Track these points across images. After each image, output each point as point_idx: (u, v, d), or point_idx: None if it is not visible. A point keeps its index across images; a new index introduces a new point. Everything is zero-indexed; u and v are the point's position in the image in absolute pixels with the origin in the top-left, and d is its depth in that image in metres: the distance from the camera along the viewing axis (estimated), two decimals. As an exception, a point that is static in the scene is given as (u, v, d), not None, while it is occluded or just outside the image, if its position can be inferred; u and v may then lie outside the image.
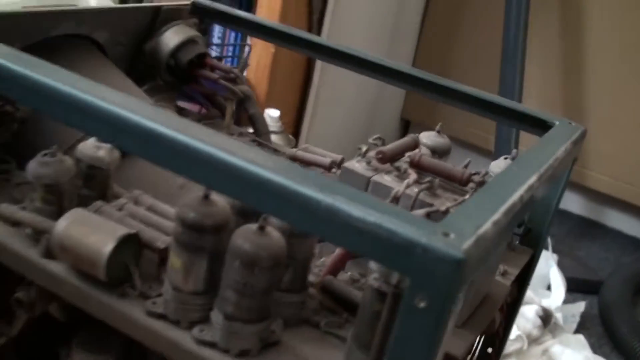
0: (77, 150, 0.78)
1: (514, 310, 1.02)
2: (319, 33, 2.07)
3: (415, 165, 0.78)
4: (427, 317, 0.52)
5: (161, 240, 0.71)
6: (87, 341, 0.82)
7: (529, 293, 1.87)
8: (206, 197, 0.65)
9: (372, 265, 0.61)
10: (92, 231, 0.70)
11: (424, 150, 0.84)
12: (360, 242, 0.53)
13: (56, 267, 0.72)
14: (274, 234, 0.64)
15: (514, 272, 0.93)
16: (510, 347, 1.69)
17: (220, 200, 0.66)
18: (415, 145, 0.82)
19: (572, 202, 2.72)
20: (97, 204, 0.75)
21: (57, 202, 0.75)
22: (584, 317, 2.00)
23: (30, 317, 0.85)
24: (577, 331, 1.92)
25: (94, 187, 0.79)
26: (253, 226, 0.63)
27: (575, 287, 2.13)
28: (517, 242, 1.01)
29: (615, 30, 2.42)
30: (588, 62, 2.45)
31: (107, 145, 0.79)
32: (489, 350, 1.06)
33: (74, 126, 0.65)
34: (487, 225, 0.55)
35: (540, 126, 0.95)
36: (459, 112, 1.05)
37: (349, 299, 0.72)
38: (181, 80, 1.15)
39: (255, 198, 0.56)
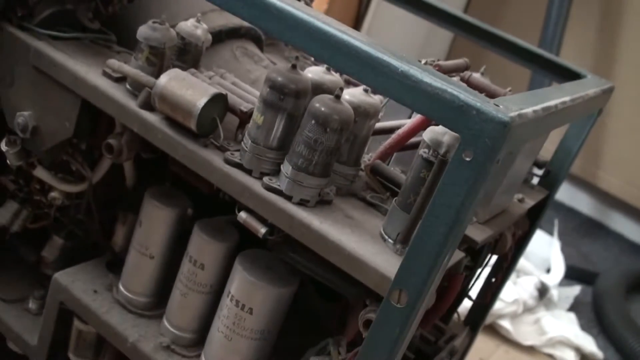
0: (178, 27, 0.91)
1: (523, 243, 1.14)
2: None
3: (465, 81, 0.90)
4: (472, 168, 0.64)
5: (244, 105, 0.84)
6: (157, 194, 0.94)
7: (530, 266, 1.99)
8: (294, 66, 0.78)
9: (426, 136, 0.73)
10: (189, 87, 0.82)
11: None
12: (426, 103, 0.66)
13: (151, 117, 0.85)
14: (346, 105, 0.77)
15: (530, 202, 1.05)
16: (506, 308, 1.81)
17: (303, 73, 0.79)
18: (467, 67, 0.95)
19: (581, 201, 2.84)
20: (191, 71, 0.88)
21: (159, 63, 0.87)
22: (577, 301, 2.11)
23: (112, 166, 0.99)
24: (569, 311, 2.04)
25: (187, 60, 0.92)
26: (329, 95, 0.76)
27: (573, 275, 2.24)
28: (536, 184, 1.13)
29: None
30: (616, 68, 2.57)
31: (204, 26, 0.92)
32: (493, 279, 1.19)
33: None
34: (528, 110, 0.68)
35: (573, 78, 1.07)
36: (498, 67, 1.18)
37: (394, 180, 0.85)
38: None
39: (346, 64, 0.69)
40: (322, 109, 0.75)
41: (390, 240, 0.76)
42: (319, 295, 1.01)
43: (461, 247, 0.83)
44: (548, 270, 2.15)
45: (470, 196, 0.66)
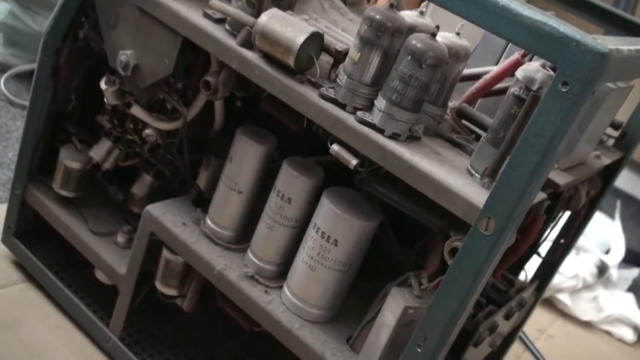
0: (275, -27, 0.95)
1: (595, 203, 1.15)
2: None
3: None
4: (568, 98, 0.67)
5: (339, 45, 0.88)
6: (248, 132, 0.99)
7: (591, 244, 1.99)
8: (392, 5, 0.82)
9: (518, 74, 0.76)
10: (288, 25, 0.87)
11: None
12: (526, 36, 0.69)
13: (250, 54, 0.90)
14: (441, 43, 0.80)
15: (606, 160, 1.06)
16: (565, 283, 1.82)
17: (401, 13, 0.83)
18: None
19: (641, 189, 2.81)
20: (289, 12, 0.92)
21: (258, 5, 0.92)
22: (635, 283, 2.10)
23: (203, 107, 1.04)
24: (627, 292, 2.03)
25: (282, 6, 0.96)
26: (426, 34, 0.79)
27: (632, 259, 2.22)
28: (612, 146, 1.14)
29: None
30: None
31: (300, -27, 0.96)
32: (562, 241, 1.21)
33: None
34: (624, 47, 0.70)
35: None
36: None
37: (480, 122, 0.88)
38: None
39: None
40: (419, 45, 0.78)
41: (477, 174, 0.80)
42: (398, 241, 1.04)
43: (544, 191, 0.85)
44: (607, 252, 2.14)
45: (564, 126, 0.69)
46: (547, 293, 1.81)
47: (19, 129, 1.77)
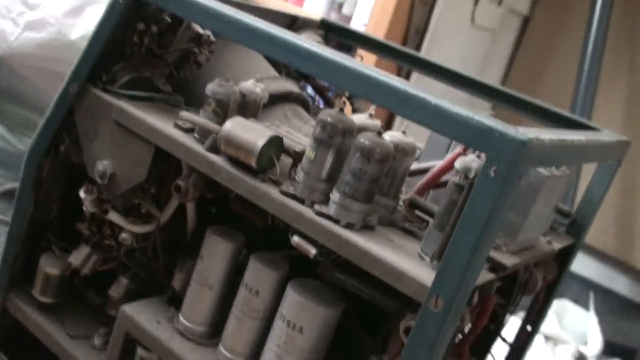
0: (239, 85, 1.05)
1: (554, 288, 1.21)
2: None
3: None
4: (496, 182, 0.75)
5: (298, 146, 0.97)
6: (217, 231, 1.06)
7: (567, 336, 2.02)
8: (341, 109, 0.91)
9: (457, 165, 0.85)
10: (250, 130, 0.96)
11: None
12: (456, 129, 0.78)
13: (216, 159, 0.98)
14: (387, 140, 0.89)
15: (557, 245, 1.13)
16: (544, 376, 1.83)
17: (349, 115, 0.92)
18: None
19: (617, 282, 2.85)
20: (251, 120, 1.01)
21: (223, 115, 1.01)
22: (617, 376, 2.12)
23: (176, 211, 1.11)
24: (608, 384, 2.04)
25: (246, 115, 1.05)
26: (373, 133, 0.88)
27: (611, 351, 2.25)
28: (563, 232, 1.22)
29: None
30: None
31: (262, 86, 1.06)
32: (528, 328, 1.25)
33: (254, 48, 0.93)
34: (545, 136, 0.79)
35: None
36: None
37: (430, 211, 0.95)
38: (302, 76, 1.43)
39: (386, 101, 0.82)
40: (367, 142, 0.87)
41: (427, 257, 0.86)
42: (363, 328, 1.09)
43: (494, 272, 0.91)
44: (585, 343, 2.17)
45: (496, 207, 0.76)
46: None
47: (1, 244, 1.82)
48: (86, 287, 1.27)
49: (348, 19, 2.43)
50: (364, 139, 0.87)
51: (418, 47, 2.36)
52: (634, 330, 2.62)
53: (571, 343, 2.00)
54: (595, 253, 2.75)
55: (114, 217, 1.13)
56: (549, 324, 1.64)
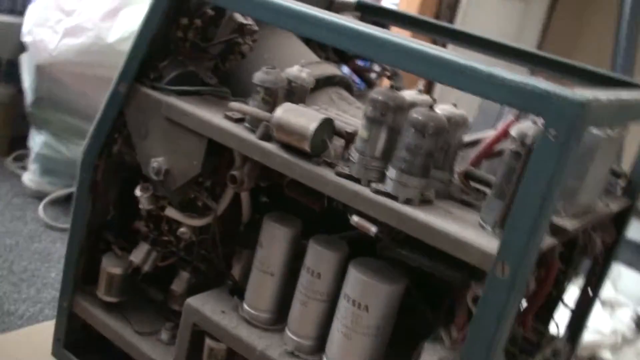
0: (285, 72, 1.06)
1: (612, 251, 1.20)
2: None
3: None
4: (556, 146, 0.75)
5: (349, 127, 0.98)
6: (274, 218, 1.07)
7: (625, 299, 2.00)
8: (391, 86, 0.91)
9: (513, 132, 0.84)
10: (302, 115, 0.97)
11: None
12: (512, 96, 0.78)
13: (269, 146, 1.00)
14: (439, 114, 0.89)
15: (615, 207, 1.12)
16: (605, 340, 1.82)
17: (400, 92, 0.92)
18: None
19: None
20: (301, 105, 1.02)
21: (272, 102, 1.02)
22: (677, 336, 2.08)
23: (231, 202, 1.13)
24: (670, 346, 2.01)
25: (294, 101, 1.06)
26: (425, 107, 0.89)
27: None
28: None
29: None
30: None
31: (307, 70, 1.07)
32: (589, 292, 1.24)
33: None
34: (602, 97, 0.78)
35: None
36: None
37: (486, 180, 0.95)
38: (342, 59, 1.44)
39: (439, 74, 0.82)
40: (420, 117, 0.87)
41: (488, 226, 0.86)
42: (425, 303, 1.10)
43: (556, 237, 0.91)
44: (643, 305, 2.14)
45: (558, 171, 0.76)
46: (589, 352, 1.81)
47: (59, 250, 1.87)
48: (148, 285, 1.30)
49: (378, 0, 2.43)
50: (416, 114, 0.88)
51: (451, 22, 2.35)
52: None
53: (629, 306, 1.98)
54: (645, 216, 2.70)
55: (171, 212, 1.15)
56: (605, 290, 1.62)
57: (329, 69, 1.25)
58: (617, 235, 1.19)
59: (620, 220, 1.17)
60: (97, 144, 1.20)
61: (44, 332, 1.41)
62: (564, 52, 2.87)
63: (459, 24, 2.36)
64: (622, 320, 1.90)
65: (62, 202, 2.10)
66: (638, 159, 1.20)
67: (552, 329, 1.22)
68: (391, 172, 0.90)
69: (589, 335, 1.73)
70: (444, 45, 2.14)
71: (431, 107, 0.89)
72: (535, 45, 2.92)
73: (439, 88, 2.39)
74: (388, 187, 0.90)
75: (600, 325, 1.83)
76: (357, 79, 1.48)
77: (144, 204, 1.18)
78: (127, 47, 2.07)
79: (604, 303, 2.00)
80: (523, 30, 2.78)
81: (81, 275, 1.29)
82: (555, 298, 1.15)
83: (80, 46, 1.92)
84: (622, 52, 2.49)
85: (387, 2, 2.33)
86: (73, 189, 1.27)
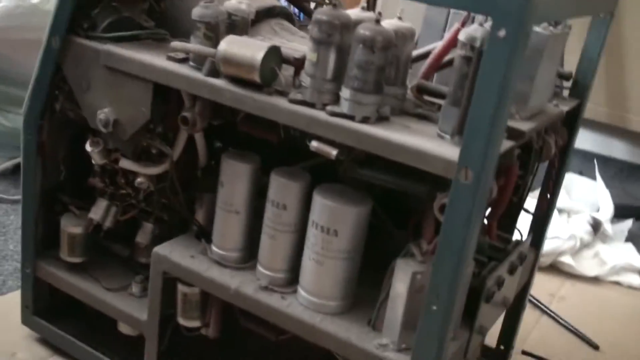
0: (224, 5, 1.03)
1: (566, 153, 1.22)
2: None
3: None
4: (506, 43, 0.75)
5: (297, 53, 0.96)
6: (232, 155, 1.06)
7: (580, 205, 2.06)
8: (334, 5, 0.89)
9: (461, 37, 0.84)
10: (247, 46, 0.94)
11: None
12: (456, -3, 0.77)
13: (218, 82, 0.97)
14: (385, 26, 0.88)
15: (564, 107, 1.14)
16: (564, 245, 1.88)
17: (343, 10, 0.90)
18: None
19: (616, 148, 2.89)
20: (244, 36, 1.00)
21: (214, 37, 0.99)
22: (631, 234, 2.17)
23: (186, 145, 1.11)
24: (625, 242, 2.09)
25: (237, 33, 1.03)
26: (371, 21, 0.87)
27: (622, 212, 2.29)
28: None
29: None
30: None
31: (247, 2, 1.04)
32: (547, 195, 1.27)
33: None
34: (543, -10, 0.78)
35: None
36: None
37: (439, 92, 0.95)
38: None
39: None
40: (367, 32, 0.86)
41: (447, 135, 0.86)
42: (391, 222, 1.11)
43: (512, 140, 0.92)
44: (598, 210, 2.21)
45: (509, 70, 0.76)
46: (549, 258, 1.87)
47: (14, 222, 1.82)
48: (112, 241, 1.27)
49: None
50: (364, 30, 0.86)
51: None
52: (638, 190, 2.67)
53: (584, 211, 2.04)
54: (590, 124, 2.76)
55: (126, 164, 1.13)
56: (560, 198, 1.67)
57: (267, 0, 1.22)
58: (569, 136, 1.21)
59: (571, 121, 1.19)
60: (38, 103, 1.16)
61: (10, 302, 1.39)
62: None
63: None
64: (579, 225, 1.96)
65: (10, 174, 2.04)
66: (581, 57, 1.21)
67: (516, 235, 1.25)
68: (345, 93, 0.89)
69: (548, 242, 1.78)
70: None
71: (377, 22, 0.87)
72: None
73: (380, 6, 2.37)
74: (343, 107, 0.89)
75: (559, 231, 1.89)
76: (295, 11, 1.45)
77: (97, 159, 1.15)
78: (52, 6, 1.99)
79: (560, 211, 2.06)
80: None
81: (41, 239, 1.26)
82: (516, 205, 1.17)
83: (3, 10, 1.83)
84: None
85: None
86: (19, 159, 1.22)
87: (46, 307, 1.32)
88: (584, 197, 2.26)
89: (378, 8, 0.96)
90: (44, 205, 1.24)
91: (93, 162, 1.16)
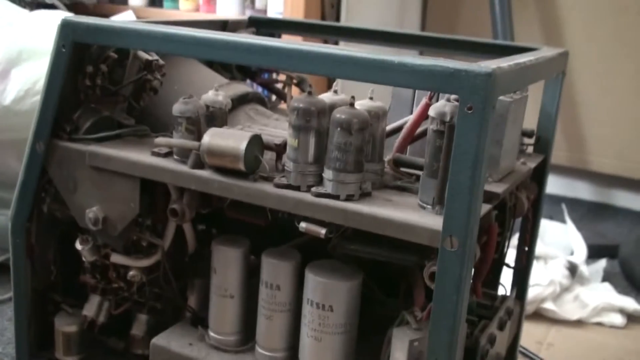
0: (202, 99, 1.08)
1: (538, 205, 1.28)
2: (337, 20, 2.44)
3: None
4: (475, 117, 0.81)
5: (277, 139, 1.00)
6: (222, 241, 1.09)
7: (554, 250, 2.12)
8: (309, 93, 0.95)
9: (431, 113, 0.90)
10: (229, 137, 0.99)
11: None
12: (424, 79, 0.83)
13: (204, 173, 1.01)
14: (360, 109, 0.93)
15: (532, 164, 1.20)
16: (545, 291, 1.92)
17: (317, 96, 0.96)
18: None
19: (581, 190, 2.99)
20: (225, 127, 1.05)
21: (197, 131, 1.04)
22: (606, 273, 2.22)
23: (175, 234, 1.13)
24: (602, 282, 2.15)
25: (216, 125, 1.08)
26: (345, 106, 0.93)
27: (595, 253, 2.36)
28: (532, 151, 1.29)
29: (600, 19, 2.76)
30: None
31: (222, 93, 1.09)
32: (525, 248, 1.32)
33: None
34: (504, 64, 0.85)
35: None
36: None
37: (415, 163, 1.00)
38: (247, 76, 1.47)
39: (351, 73, 0.87)
40: (344, 116, 0.91)
41: (428, 206, 0.91)
42: (382, 293, 1.14)
43: (489, 202, 0.97)
44: (572, 253, 2.27)
45: (481, 140, 0.82)
46: (533, 306, 1.91)
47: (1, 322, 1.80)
48: (106, 335, 1.28)
49: (264, 11, 2.47)
50: (340, 114, 0.92)
51: (337, 20, 2.42)
52: (608, 228, 2.75)
53: (560, 256, 2.09)
54: (554, 168, 2.86)
55: (117, 259, 1.15)
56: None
57: (240, 87, 1.28)
58: (539, 189, 1.27)
59: (538, 175, 1.26)
60: (25, 207, 1.18)
61: (5, 409, 1.37)
62: (446, 28, 3.02)
63: (345, 19, 2.45)
64: (556, 270, 2.01)
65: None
66: (541, 115, 1.29)
67: (500, 291, 1.30)
68: (327, 174, 0.93)
69: (530, 290, 1.82)
70: (336, 43, 2.22)
71: (352, 104, 0.93)
72: (418, 27, 3.05)
73: (340, 83, 2.47)
74: (327, 188, 0.94)
75: (538, 278, 1.93)
76: (265, 92, 1.51)
77: (87, 256, 1.17)
78: (25, 106, 2.03)
79: (537, 258, 2.11)
80: (404, 15, 2.91)
81: (34, 341, 1.26)
82: (498, 261, 1.22)
83: (-23, 114, 1.86)
84: (498, 19, 2.64)
85: (272, 12, 2.38)
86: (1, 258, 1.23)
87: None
88: (557, 241, 2.32)
89: (338, 86, 1.02)
90: (36, 307, 1.25)
91: (83, 259, 1.18)
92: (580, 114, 2.86)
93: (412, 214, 0.90)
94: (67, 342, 1.23)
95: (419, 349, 0.93)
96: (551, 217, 2.52)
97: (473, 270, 1.03)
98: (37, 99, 1.13)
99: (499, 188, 1.00)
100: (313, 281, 0.99)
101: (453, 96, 0.89)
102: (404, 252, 0.94)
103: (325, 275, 0.99)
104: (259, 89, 1.51)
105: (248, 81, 1.49)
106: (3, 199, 1.88)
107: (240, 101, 1.24)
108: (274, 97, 1.50)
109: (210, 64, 1.40)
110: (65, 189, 1.15)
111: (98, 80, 1.14)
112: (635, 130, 2.80)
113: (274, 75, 1.58)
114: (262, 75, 1.53)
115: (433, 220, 0.88)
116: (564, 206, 2.49)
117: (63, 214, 1.19)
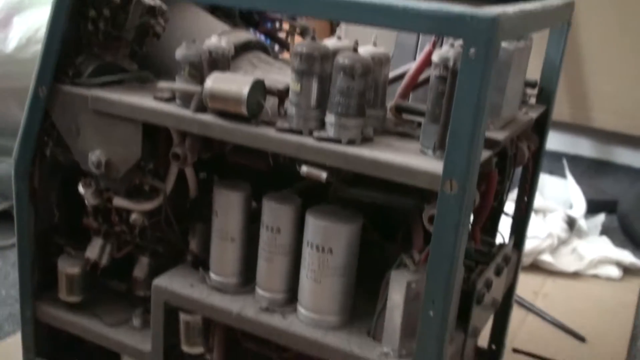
0: (205, 44, 1.08)
1: (538, 156, 1.29)
2: None
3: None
4: (478, 62, 0.81)
5: (280, 84, 1.01)
6: (223, 185, 1.10)
7: (553, 204, 2.14)
8: (313, 38, 0.95)
9: (435, 58, 0.90)
10: (232, 82, 0.99)
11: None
12: (429, 23, 0.83)
13: (206, 117, 1.02)
14: (363, 55, 0.93)
15: (533, 114, 1.20)
16: (543, 244, 1.95)
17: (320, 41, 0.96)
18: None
19: (582, 146, 3.00)
20: (227, 72, 1.05)
21: (199, 75, 1.04)
22: (604, 227, 2.25)
23: (177, 179, 1.14)
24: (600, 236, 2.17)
25: (220, 69, 1.08)
26: (349, 51, 0.93)
27: (594, 208, 2.38)
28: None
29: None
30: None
31: (226, 39, 1.09)
32: (524, 197, 1.33)
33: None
34: (509, 10, 0.84)
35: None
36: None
37: (417, 110, 1.01)
38: (250, 24, 1.46)
39: (357, 17, 0.87)
40: (347, 61, 0.91)
41: (429, 150, 0.92)
42: (382, 238, 1.16)
43: (490, 149, 0.98)
44: (571, 207, 2.29)
45: (483, 85, 0.82)
46: (530, 257, 1.94)
47: (2, 268, 1.83)
48: (109, 277, 1.30)
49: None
50: (343, 59, 0.92)
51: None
52: (607, 185, 2.77)
53: (558, 209, 2.11)
54: (556, 125, 2.87)
55: (120, 202, 1.16)
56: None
57: (243, 35, 1.27)
58: (540, 140, 1.28)
59: (540, 126, 1.26)
60: (28, 150, 1.19)
61: (10, 346, 1.41)
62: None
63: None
64: (555, 223, 2.03)
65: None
66: (544, 65, 1.28)
67: (499, 238, 1.31)
68: (330, 118, 0.94)
69: (527, 242, 1.84)
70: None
71: (355, 50, 0.93)
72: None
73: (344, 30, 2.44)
74: (329, 132, 0.94)
75: (536, 231, 1.96)
76: (268, 41, 1.50)
77: (89, 200, 1.18)
78: (27, 54, 2.02)
79: (535, 211, 2.13)
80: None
81: (38, 282, 1.28)
82: (497, 209, 1.23)
83: (-22, 61, 1.86)
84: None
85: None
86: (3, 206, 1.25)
87: (47, 348, 1.34)
88: (556, 195, 2.34)
89: (342, 32, 1.02)
90: (39, 249, 1.26)
91: (86, 202, 1.20)
92: (584, 71, 2.85)
93: (413, 158, 0.91)
94: (70, 283, 1.25)
95: (417, 290, 0.95)
96: (551, 172, 2.53)
97: (472, 216, 1.05)
98: (39, 47, 1.12)
99: (499, 135, 1.01)
100: (314, 224, 1.00)
101: (457, 42, 0.89)
102: (404, 196, 0.95)
103: (326, 217, 1.00)
104: (262, 38, 1.50)
105: (251, 30, 1.48)
106: (5, 147, 1.89)
107: (243, 48, 1.23)
108: (277, 48, 1.50)
109: (213, 12, 1.39)
110: (68, 133, 1.15)
111: (101, 25, 1.14)
112: (638, 88, 2.79)
113: (277, 25, 1.56)
114: (265, 25, 1.52)
115: (433, 165, 0.89)
116: (564, 161, 2.50)
117: (65, 158, 1.20)
